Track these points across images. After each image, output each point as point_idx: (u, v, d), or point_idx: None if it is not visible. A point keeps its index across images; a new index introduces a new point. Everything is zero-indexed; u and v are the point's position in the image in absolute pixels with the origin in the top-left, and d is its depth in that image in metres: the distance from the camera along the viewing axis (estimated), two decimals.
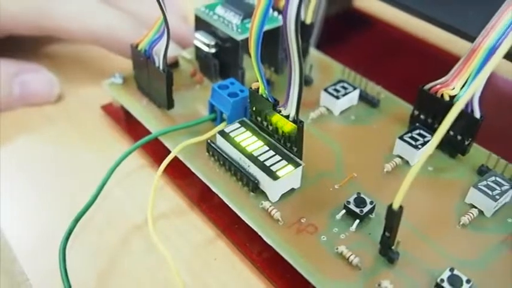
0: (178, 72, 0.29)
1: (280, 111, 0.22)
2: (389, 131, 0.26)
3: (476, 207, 0.22)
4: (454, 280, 0.19)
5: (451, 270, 0.19)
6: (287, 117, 0.22)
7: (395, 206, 0.18)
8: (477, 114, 0.23)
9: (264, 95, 0.23)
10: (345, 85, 0.27)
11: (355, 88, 0.27)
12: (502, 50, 0.19)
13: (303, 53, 0.29)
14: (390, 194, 0.21)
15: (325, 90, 0.27)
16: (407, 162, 0.24)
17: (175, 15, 0.30)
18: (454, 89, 0.23)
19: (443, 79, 0.24)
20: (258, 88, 0.23)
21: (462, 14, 0.26)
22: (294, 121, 0.22)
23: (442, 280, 0.19)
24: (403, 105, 0.27)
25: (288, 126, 0.22)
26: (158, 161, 0.24)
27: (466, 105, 0.23)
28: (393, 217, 0.19)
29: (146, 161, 0.27)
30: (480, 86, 0.22)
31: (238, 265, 0.23)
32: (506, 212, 0.22)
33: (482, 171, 0.24)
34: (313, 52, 0.31)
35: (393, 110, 0.27)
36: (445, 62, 0.25)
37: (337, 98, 0.26)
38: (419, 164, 0.17)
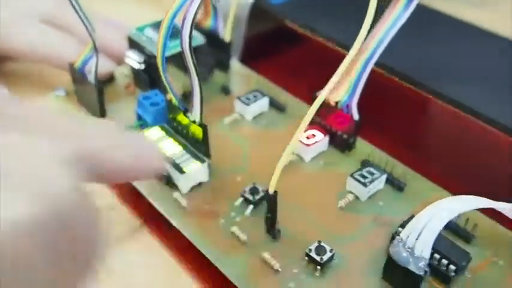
0: (114, 85, 0.34)
1: (188, 117, 0.27)
2: (292, 133, 0.30)
3: (353, 193, 0.26)
4: (320, 250, 0.23)
5: (319, 242, 0.23)
6: (194, 121, 0.26)
7: (271, 191, 0.23)
8: (356, 116, 0.28)
9: (176, 104, 0.27)
10: (257, 94, 0.32)
11: (264, 96, 0.31)
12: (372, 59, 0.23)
13: (224, 67, 0.34)
14: (284, 184, 0.26)
15: (238, 98, 0.31)
16: (301, 159, 0.29)
17: (117, 35, 0.34)
18: (338, 95, 0.28)
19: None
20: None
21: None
22: (200, 125, 0.26)
23: (310, 250, 0.23)
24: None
25: (196, 130, 0.27)
26: None
27: (346, 110, 0.28)
28: (270, 200, 0.23)
29: None
30: (356, 94, 0.27)
31: (160, 252, 0.26)
32: (379, 197, 0.27)
33: (365, 164, 0.28)
34: (236, 65, 0.36)
35: (298, 115, 0.31)
36: None
37: (248, 104, 0.31)
38: (288, 151, 0.21)
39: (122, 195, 0.29)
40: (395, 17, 0.25)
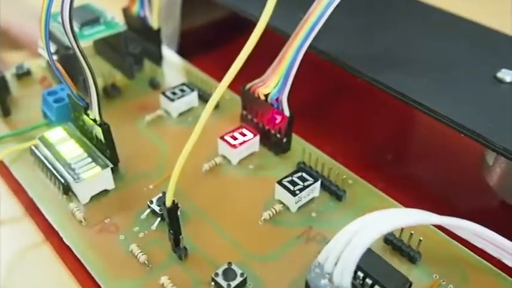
0: (29, 79, 0.30)
1: (89, 115, 0.23)
2: (220, 132, 0.26)
3: (282, 203, 0.23)
4: (229, 273, 0.19)
5: (229, 264, 0.19)
6: (94, 120, 0.22)
7: (168, 203, 0.19)
8: (287, 112, 0.24)
9: (75, 99, 0.23)
10: (185, 88, 0.28)
11: (192, 90, 0.27)
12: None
13: (155, 58, 0.30)
14: (204, 193, 0.22)
15: (163, 93, 0.27)
16: (229, 162, 0.25)
17: (27, 20, 0.30)
18: (267, 87, 0.24)
19: (261, 78, 0.24)
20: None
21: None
22: (99, 124, 0.22)
23: (217, 274, 0.19)
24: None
25: (97, 130, 0.23)
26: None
27: (277, 104, 0.24)
28: (169, 214, 0.19)
29: None
30: (287, 86, 0.23)
31: (58, 269, 0.23)
32: (313, 207, 0.23)
33: (299, 168, 0.24)
34: (172, 57, 0.32)
35: (232, 111, 0.28)
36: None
37: (172, 100, 0.27)
38: (184, 154, 0.17)
39: (27, 207, 0.25)
40: (328, 1, 0.21)
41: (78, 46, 0.20)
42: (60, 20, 0.27)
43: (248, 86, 0.25)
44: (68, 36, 0.20)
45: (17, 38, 0.31)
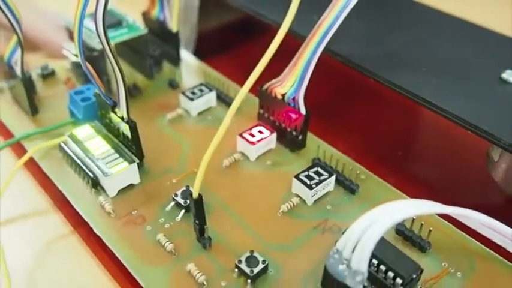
0: (54, 80, 0.31)
1: (116, 113, 0.24)
2: (239, 130, 0.27)
3: (299, 196, 0.24)
4: (251, 261, 0.20)
5: (251, 252, 0.21)
6: (122, 118, 0.24)
7: (195, 195, 0.20)
8: (303, 110, 0.25)
9: (104, 97, 0.24)
10: (203, 88, 0.29)
11: (211, 90, 0.29)
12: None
13: (174, 60, 0.31)
14: (225, 186, 0.23)
15: (183, 93, 0.29)
16: (247, 158, 0.26)
17: (50, 27, 0.32)
18: (284, 87, 0.25)
19: (278, 78, 0.26)
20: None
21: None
22: (127, 122, 0.24)
23: (240, 261, 0.20)
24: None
25: (125, 127, 0.24)
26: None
27: (293, 103, 0.25)
28: (196, 205, 0.20)
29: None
30: (303, 86, 0.24)
31: (86, 258, 0.24)
32: (328, 200, 0.24)
33: (314, 163, 0.25)
34: (189, 59, 0.33)
35: (250, 110, 0.29)
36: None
37: (192, 100, 0.28)
38: (210, 150, 0.19)
39: (54, 201, 0.26)
40: (343, 3, 0.22)
41: (110, 48, 0.21)
42: (86, 24, 0.29)
43: (265, 86, 0.26)
44: (100, 39, 0.21)
45: (33, 39, 0.33)
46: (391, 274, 0.20)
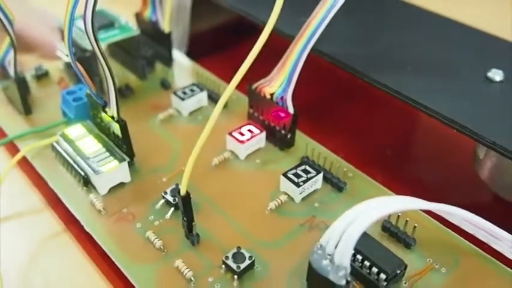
0: (47, 80, 0.31)
1: (107, 112, 0.24)
2: (228, 129, 0.28)
3: (287, 194, 0.24)
4: (238, 257, 0.21)
5: (238, 248, 0.21)
6: (112, 117, 0.24)
7: (182, 192, 0.21)
8: (291, 110, 0.25)
9: (95, 97, 0.25)
10: (195, 88, 0.29)
11: (202, 90, 0.29)
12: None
13: (166, 60, 0.32)
14: (214, 184, 0.24)
15: (174, 93, 0.29)
16: (237, 157, 0.26)
17: (44, 27, 0.32)
18: (272, 87, 0.26)
19: (267, 78, 0.26)
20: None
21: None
22: (117, 121, 0.24)
23: (227, 257, 0.21)
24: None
25: (115, 126, 0.24)
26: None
27: (282, 102, 0.25)
28: (183, 202, 0.21)
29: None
30: (291, 86, 0.25)
31: (77, 256, 0.24)
32: (315, 197, 0.24)
33: (303, 162, 0.26)
34: (181, 59, 0.33)
35: (239, 109, 0.29)
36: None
37: (183, 99, 0.29)
38: (196, 148, 0.19)
39: (47, 199, 0.27)
40: (330, 4, 0.23)
41: (99, 49, 0.22)
42: (78, 24, 0.29)
43: (254, 85, 0.26)
44: (89, 40, 0.21)
45: (27, 40, 0.33)
46: (375, 270, 0.20)
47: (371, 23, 0.30)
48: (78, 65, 0.23)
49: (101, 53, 0.22)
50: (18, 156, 0.26)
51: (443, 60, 0.27)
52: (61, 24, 0.30)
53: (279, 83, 0.25)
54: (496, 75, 0.25)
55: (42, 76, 0.32)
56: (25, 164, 0.27)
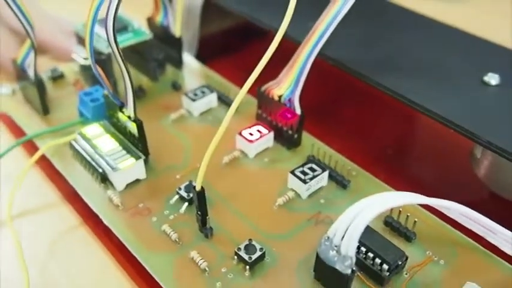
0: (63, 82, 0.33)
1: (124, 112, 0.26)
2: (238, 129, 0.29)
3: (294, 191, 0.26)
4: (250, 248, 0.22)
5: (249, 240, 0.22)
6: (129, 117, 0.26)
7: (198, 188, 0.22)
8: (298, 111, 0.27)
9: (112, 98, 0.26)
10: (205, 90, 0.31)
11: (212, 91, 0.31)
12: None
13: (177, 63, 0.33)
14: (225, 182, 0.25)
15: (185, 94, 0.30)
16: (246, 155, 0.28)
17: (58, 32, 0.34)
18: (281, 89, 0.27)
19: (275, 81, 0.27)
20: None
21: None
22: (134, 120, 0.25)
23: (239, 248, 0.22)
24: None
25: (132, 125, 0.26)
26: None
27: (289, 104, 0.27)
28: (198, 197, 0.22)
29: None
30: (299, 88, 0.26)
31: (95, 248, 0.26)
32: (321, 194, 0.26)
33: (309, 160, 0.27)
34: (191, 62, 0.35)
35: (248, 111, 0.30)
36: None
37: (194, 100, 0.30)
38: (211, 147, 0.20)
39: (65, 195, 0.28)
40: (336, 10, 0.24)
41: (119, 51, 0.23)
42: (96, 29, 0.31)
43: (263, 88, 0.28)
44: (109, 42, 0.23)
45: (44, 44, 0.34)
46: (378, 260, 0.21)
47: (374, 29, 0.31)
48: (98, 67, 0.24)
49: (121, 57, 0.23)
50: (38, 154, 0.27)
51: (442, 65, 0.28)
52: (76, 29, 0.32)
53: (287, 85, 0.27)
54: (492, 79, 0.26)
55: (57, 78, 0.33)
56: (44, 162, 0.28)
